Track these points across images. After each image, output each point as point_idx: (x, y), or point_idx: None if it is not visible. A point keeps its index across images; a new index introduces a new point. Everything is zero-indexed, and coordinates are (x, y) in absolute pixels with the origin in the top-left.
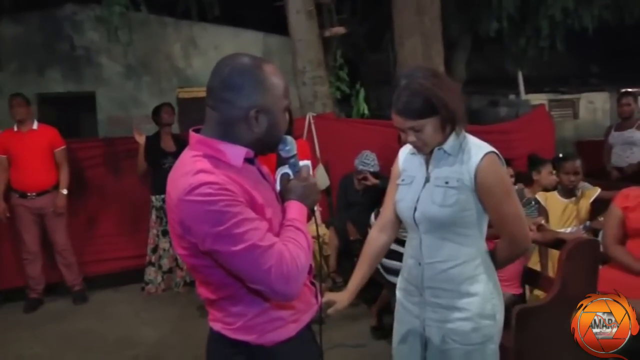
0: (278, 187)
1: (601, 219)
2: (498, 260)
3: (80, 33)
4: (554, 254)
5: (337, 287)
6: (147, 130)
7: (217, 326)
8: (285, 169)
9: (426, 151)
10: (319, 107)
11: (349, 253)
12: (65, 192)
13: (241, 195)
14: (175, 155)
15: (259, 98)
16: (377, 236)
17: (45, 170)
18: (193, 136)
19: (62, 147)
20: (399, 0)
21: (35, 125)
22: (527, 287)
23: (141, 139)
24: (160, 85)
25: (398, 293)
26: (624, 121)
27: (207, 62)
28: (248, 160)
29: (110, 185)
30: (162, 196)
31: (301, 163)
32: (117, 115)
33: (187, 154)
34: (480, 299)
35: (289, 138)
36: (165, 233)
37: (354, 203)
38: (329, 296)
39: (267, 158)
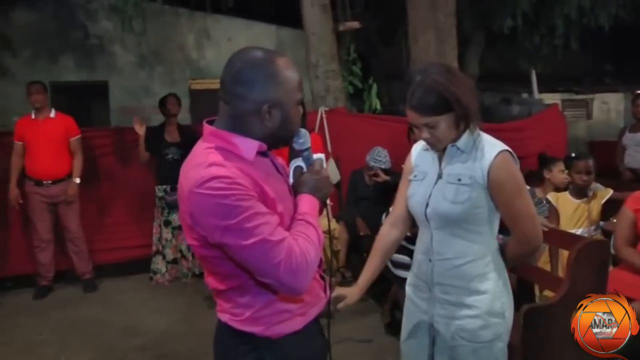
0: (291, 180)
1: (614, 220)
2: (509, 258)
3: (94, 21)
4: (564, 254)
5: (346, 282)
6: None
7: (224, 317)
8: (299, 162)
9: (440, 148)
10: (331, 101)
11: (358, 248)
12: (78, 180)
13: (252, 189)
14: (179, 146)
15: (271, 92)
16: (388, 231)
17: (60, 159)
18: (207, 128)
19: (78, 136)
20: None
21: (52, 114)
22: (536, 286)
23: (141, 130)
24: (172, 75)
25: (407, 288)
26: (638, 122)
27: (220, 54)
28: (261, 153)
29: (121, 175)
30: (164, 187)
31: (314, 156)
32: (129, 105)
33: (200, 146)
34: (490, 296)
35: (303, 131)
36: (167, 223)
37: (364, 198)
38: (339, 291)
39: (280, 150)
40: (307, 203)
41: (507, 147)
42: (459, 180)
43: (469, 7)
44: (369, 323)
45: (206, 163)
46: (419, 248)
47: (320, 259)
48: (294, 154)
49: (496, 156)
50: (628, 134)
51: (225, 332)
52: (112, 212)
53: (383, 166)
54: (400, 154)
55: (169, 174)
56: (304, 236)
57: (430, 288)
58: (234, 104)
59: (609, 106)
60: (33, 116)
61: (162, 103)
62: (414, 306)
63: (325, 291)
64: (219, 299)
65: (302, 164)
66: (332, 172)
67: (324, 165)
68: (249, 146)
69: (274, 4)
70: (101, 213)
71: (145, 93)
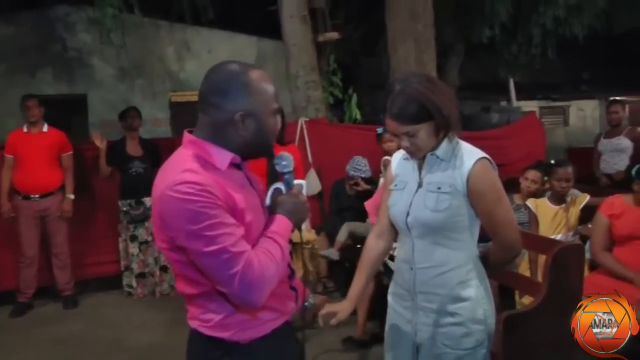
0: (268, 201)
1: (590, 225)
2: (490, 264)
3: (73, 34)
4: (544, 260)
5: (328, 292)
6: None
7: (194, 324)
8: (279, 185)
9: (419, 156)
10: (312, 111)
11: (340, 258)
12: (72, 196)
13: (222, 199)
14: (143, 159)
15: (245, 102)
16: (374, 243)
17: (50, 173)
18: (186, 136)
19: (70, 152)
20: (393, 6)
21: (45, 128)
22: (516, 293)
23: (102, 144)
24: (153, 88)
25: (390, 297)
26: (612, 129)
27: (201, 66)
28: (235, 166)
29: (99, 189)
30: (128, 201)
31: (296, 182)
32: (110, 118)
33: (179, 152)
34: (472, 303)
35: (286, 154)
36: (133, 238)
37: (346, 208)
38: (330, 307)
39: (257, 164)
40: (279, 223)
41: (485, 155)
42: (439, 188)
43: (449, 17)
44: (353, 333)
45: (182, 168)
46: (400, 257)
47: (292, 270)
48: (274, 176)
49: (475, 164)
50: (603, 140)
51: (196, 339)
52: (90, 226)
53: (363, 175)
54: (380, 163)
55: (133, 188)
56: (267, 252)
57: (412, 297)
58: (210, 114)
59: (585, 113)
60: (25, 129)
61: (123, 117)
62: (397, 315)
63: (296, 301)
64: (189, 305)
65: (282, 187)
66: (313, 183)
67: (304, 192)
68: (222, 156)
69: (255, 15)
70: (81, 227)
71: (126, 106)
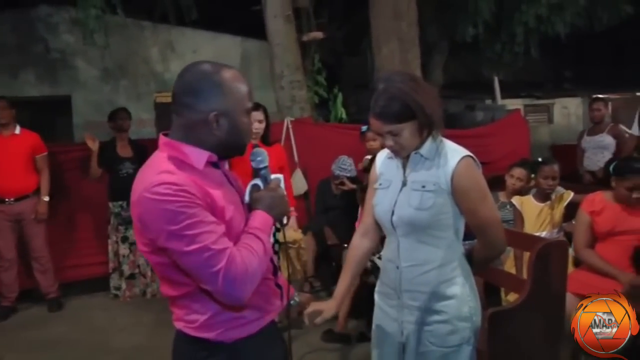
0: (247, 199)
1: (574, 222)
2: (475, 262)
3: (55, 35)
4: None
5: (314, 292)
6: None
7: (179, 325)
8: (256, 181)
9: (403, 155)
10: (297, 111)
11: (327, 258)
12: (47, 198)
13: (201, 198)
14: (133, 160)
15: (218, 102)
16: (359, 242)
17: (25, 176)
18: (162, 138)
19: (44, 153)
20: (377, 6)
21: (17, 130)
22: (502, 290)
23: (94, 146)
24: (137, 89)
25: (376, 296)
26: (595, 126)
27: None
28: (212, 164)
29: (85, 191)
30: (120, 203)
31: (272, 176)
32: (94, 119)
33: (156, 155)
34: (457, 301)
35: (260, 150)
36: (124, 240)
37: (332, 207)
38: (316, 306)
39: (243, 163)
40: (259, 219)
41: (469, 153)
42: (423, 187)
43: (433, 16)
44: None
45: (158, 170)
46: (386, 256)
47: (276, 267)
48: (256, 173)
49: (459, 162)
50: (586, 137)
51: (181, 340)
52: (75, 228)
53: (348, 174)
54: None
55: (124, 189)
56: (249, 247)
57: (398, 295)
58: (184, 114)
59: (568, 111)
60: None
61: (112, 118)
62: (383, 313)
63: (281, 299)
64: (174, 307)
65: (260, 182)
66: (299, 183)
67: (282, 185)
68: (199, 156)
69: (239, 15)
70: (65, 229)
71: (110, 107)
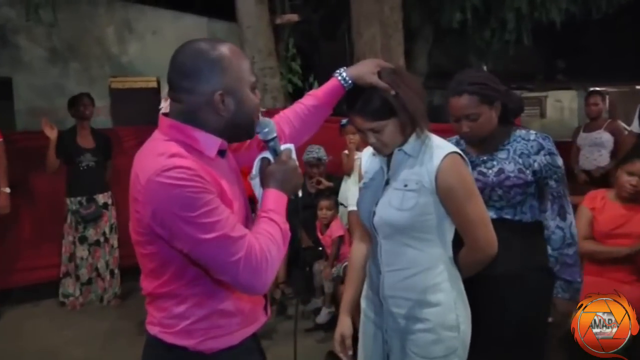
0: (254, 173)
1: None
2: (462, 267)
3: None
4: None
5: (286, 299)
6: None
7: (154, 330)
8: (265, 154)
9: (386, 152)
10: (269, 101)
11: (299, 262)
12: (8, 190)
13: (213, 185)
14: (94, 152)
15: (219, 80)
16: (358, 246)
17: None
18: (164, 120)
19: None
20: None
21: None
22: None
23: (52, 134)
24: (90, 72)
25: (362, 302)
26: (592, 122)
27: (144, 49)
28: (219, 153)
29: (29, 186)
30: (78, 199)
31: (282, 146)
32: (40, 105)
33: (157, 137)
34: (442, 309)
35: (267, 119)
36: (82, 240)
37: (306, 206)
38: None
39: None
40: (273, 199)
41: (456, 149)
42: (405, 186)
43: (417, 0)
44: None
45: (168, 153)
46: (370, 259)
47: None
48: (263, 146)
49: (444, 159)
50: (582, 134)
51: (155, 346)
52: (18, 227)
53: (316, 155)
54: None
55: (84, 183)
56: (267, 234)
57: (382, 301)
58: (184, 100)
59: (562, 104)
60: None
61: (73, 104)
62: (368, 320)
63: (265, 310)
64: (151, 307)
65: (269, 155)
66: None
67: (293, 154)
68: (210, 142)
69: None
70: (5, 229)
71: (59, 92)
